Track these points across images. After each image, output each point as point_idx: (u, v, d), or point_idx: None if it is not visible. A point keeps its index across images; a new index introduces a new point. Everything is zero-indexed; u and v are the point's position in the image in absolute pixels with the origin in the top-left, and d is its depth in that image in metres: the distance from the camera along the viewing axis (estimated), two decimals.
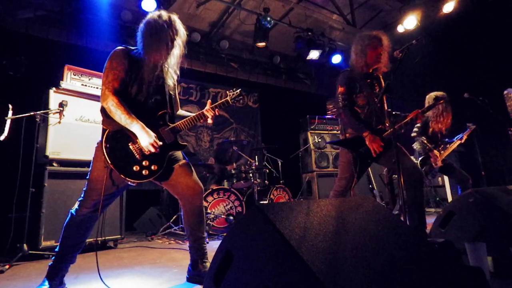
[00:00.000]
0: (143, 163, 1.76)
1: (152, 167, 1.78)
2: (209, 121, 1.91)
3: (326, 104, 7.08)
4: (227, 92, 1.97)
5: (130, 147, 1.75)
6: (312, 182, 5.70)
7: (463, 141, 3.54)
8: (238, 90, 1.95)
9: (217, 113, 1.91)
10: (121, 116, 1.69)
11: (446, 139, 3.53)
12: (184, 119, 1.89)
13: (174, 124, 1.88)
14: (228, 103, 1.93)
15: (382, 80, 2.53)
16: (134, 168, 1.74)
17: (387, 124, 2.41)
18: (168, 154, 1.85)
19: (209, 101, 1.96)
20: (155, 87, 1.85)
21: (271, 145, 5.19)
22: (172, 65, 1.90)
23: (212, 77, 6.44)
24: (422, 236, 1.44)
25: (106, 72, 1.75)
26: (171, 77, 1.95)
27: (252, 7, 5.35)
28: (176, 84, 2.02)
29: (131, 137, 1.75)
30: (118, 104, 1.69)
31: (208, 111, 1.89)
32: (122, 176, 1.71)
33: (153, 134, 1.74)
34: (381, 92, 2.20)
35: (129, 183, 1.77)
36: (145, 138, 1.71)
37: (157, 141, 1.75)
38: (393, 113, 2.57)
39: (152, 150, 1.73)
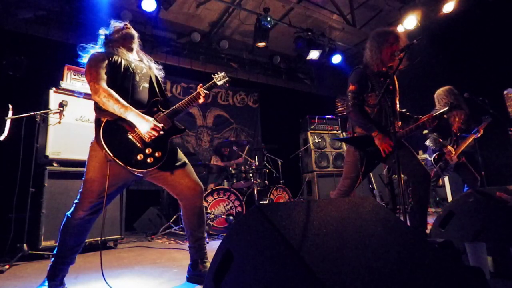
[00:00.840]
0: (146, 151, 1.74)
1: (156, 154, 1.77)
2: (201, 100, 1.96)
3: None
4: (212, 75, 2.09)
5: (130, 136, 1.73)
6: (312, 182, 5.70)
7: (479, 135, 3.42)
8: (222, 73, 2.10)
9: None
10: (114, 106, 1.68)
11: (463, 134, 3.43)
12: (178, 103, 1.91)
13: (169, 110, 1.89)
14: (216, 84, 2.06)
15: (396, 80, 2.43)
16: (138, 157, 1.71)
17: (398, 125, 2.36)
18: (169, 140, 1.85)
19: (200, 84, 2.00)
20: (140, 76, 1.90)
21: (271, 145, 5.19)
22: (146, 58, 2.05)
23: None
24: (422, 236, 1.44)
25: (88, 71, 1.79)
26: (153, 68, 2.04)
27: (252, 7, 5.34)
28: (160, 76, 2.08)
29: (128, 127, 1.74)
30: (109, 95, 1.69)
31: (199, 89, 1.95)
32: (129, 167, 1.67)
33: (150, 118, 1.74)
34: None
35: (135, 173, 1.75)
36: (144, 124, 1.70)
37: (157, 123, 1.75)
38: (406, 114, 2.52)
39: (155, 134, 1.73)
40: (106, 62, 1.82)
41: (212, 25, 5.90)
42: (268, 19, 5.09)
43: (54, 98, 3.02)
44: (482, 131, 3.45)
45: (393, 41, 2.30)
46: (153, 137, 1.75)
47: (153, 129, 1.71)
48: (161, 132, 1.77)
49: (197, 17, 5.61)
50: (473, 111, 3.59)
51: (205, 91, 1.96)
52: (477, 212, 1.79)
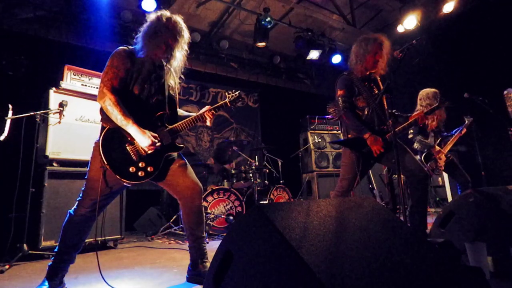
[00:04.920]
0: (140, 164, 1.75)
1: (148, 169, 1.77)
2: (208, 123, 1.94)
3: (327, 108, 7.01)
4: (226, 93, 2.00)
5: (127, 148, 1.75)
6: (312, 182, 5.70)
7: (462, 133, 3.51)
8: (236, 92, 1.99)
9: (213, 115, 1.94)
10: (117, 116, 1.68)
11: (445, 133, 3.52)
12: (182, 121, 1.89)
13: (172, 126, 1.87)
14: (226, 105, 1.97)
15: (379, 82, 2.55)
16: (130, 169, 1.73)
17: (390, 125, 2.40)
18: (164, 156, 1.84)
19: (208, 106, 1.96)
20: (156, 87, 1.86)
21: (271, 145, 5.19)
22: (175, 67, 1.92)
23: (212, 77, 6.44)
24: (422, 236, 1.44)
25: (107, 69, 1.74)
26: (173, 78, 1.96)
27: (252, 7, 5.34)
28: (177, 86, 2.01)
29: (128, 137, 1.74)
30: (115, 104, 1.68)
31: (207, 114, 1.92)
32: (118, 177, 1.70)
33: (149, 133, 1.73)
34: (381, 92, 2.20)
35: (124, 184, 1.77)
36: (143, 140, 1.70)
37: (155, 139, 1.75)
38: (395, 113, 2.57)
39: (153, 148, 1.73)
40: (129, 64, 1.77)
41: (212, 25, 5.89)
42: (268, 19, 5.09)
43: (54, 98, 3.02)
44: (466, 130, 3.53)
45: (377, 50, 2.41)
46: (146, 153, 1.75)
47: (150, 145, 1.72)
48: (158, 147, 1.76)
49: (197, 17, 5.61)
50: (473, 111, 3.61)
51: (210, 114, 1.92)
52: (477, 212, 1.79)
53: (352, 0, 5.49)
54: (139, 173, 1.75)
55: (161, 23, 1.79)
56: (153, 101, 1.84)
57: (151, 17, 1.83)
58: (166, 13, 1.83)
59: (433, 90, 3.43)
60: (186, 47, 1.90)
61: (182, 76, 1.99)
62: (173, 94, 1.98)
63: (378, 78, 2.55)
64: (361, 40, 2.50)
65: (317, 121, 6.04)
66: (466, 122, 3.56)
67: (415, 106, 3.51)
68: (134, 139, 1.73)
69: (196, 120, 1.91)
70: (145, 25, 1.84)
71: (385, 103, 2.47)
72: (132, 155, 1.75)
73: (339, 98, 2.45)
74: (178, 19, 1.85)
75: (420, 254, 1.03)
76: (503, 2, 4.60)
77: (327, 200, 1.20)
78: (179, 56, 1.89)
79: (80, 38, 4.90)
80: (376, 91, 2.46)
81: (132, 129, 1.69)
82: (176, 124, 1.88)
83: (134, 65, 1.78)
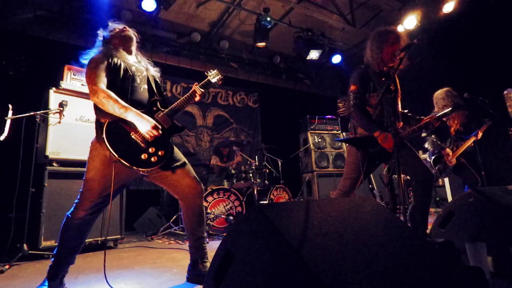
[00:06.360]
0: (150, 150, 1.76)
1: (159, 153, 1.79)
2: (197, 98, 2.02)
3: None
4: (206, 73, 2.15)
5: (133, 136, 1.75)
6: (312, 182, 5.70)
7: (478, 137, 3.39)
8: (215, 70, 2.16)
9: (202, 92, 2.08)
10: (113, 107, 1.68)
11: (463, 136, 3.41)
12: (176, 102, 1.94)
13: (168, 108, 1.91)
14: (210, 82, 2.11)
15: (398, 81, 2.43)
16: (143, 156, 1.73)
17: (400, 126, 2.35)
18: (171, 138, 1.88)
19: (196, 83, 2.06)
20: (141, 78, 1.93)
21: (271, 145, 5.19)
22: (144, 59, 2.07)
23: None
24: (422, 236, 1.44)
25: (88, 74, 1.79)
26: (151, 69, 2.07)
27: (252, 7, 5.34)
28: (156, 75, 2.10)
29: (129, 128, 1.74)
30: (108, 96, 1.69)
31: (196, 90, 2.01)
32: (134, 167, 1.69)
33: (149, 118, 1.75)
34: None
35: (140, 173, 1.76)
36: (144, 124, 1.71)
37: (157, 123, 1.77)
38: (407, 115, 2.52)
39: (155, 133, 1.74)
40: (106, 64, 1.82)
41: (212, 25, 5.89)
42: (268, 19, 5.08)
43: (54, 98, 3.02)
44: (481, 133, 3.43)
45: (394, 41, 2.29)
46: (154, 137, 1.75)
47: (153, 128, 1.73)
48: (160, 132, 1.78)
49: (197, 17, 5.61)
50: (472, 111, 3.59)
51: (201, 89, 2.01)
52: (477, 212, 1.79)
53: (352, 0, 5.49)
54: (152, 159, 1.76)
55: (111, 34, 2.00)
56: (141, 90, 1.91)
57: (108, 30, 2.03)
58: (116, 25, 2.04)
59: (445, 89, 3.36)
60: (135, 41, 2.07)
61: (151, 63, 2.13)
62: (159, 82, 2.07)
63: (397, 77, 2.42)
64: (376, 32, 2.38)
65: (317, 121, 6.05)
66: (483, 126, 3.44)
67: (414, 106, 3.49)
68: (135, 127, 1.74)
69: (188, 99, 1.97)
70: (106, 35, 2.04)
71: (399, 103, 2.40)
72: (140, 142, 1.75)
73: (351, 94, 2.33)
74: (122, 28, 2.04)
75: (420, 254, 1.03)
76: (503, 2, 4.60)
77: (327, 200, 1.20)
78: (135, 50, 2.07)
79: (80, 38, 4.90)
80: (392, 88, 2.29)
81: (130, 114, 1.70)
82: (171, 106, 1.93)
83: (112, 61, 1.85)
